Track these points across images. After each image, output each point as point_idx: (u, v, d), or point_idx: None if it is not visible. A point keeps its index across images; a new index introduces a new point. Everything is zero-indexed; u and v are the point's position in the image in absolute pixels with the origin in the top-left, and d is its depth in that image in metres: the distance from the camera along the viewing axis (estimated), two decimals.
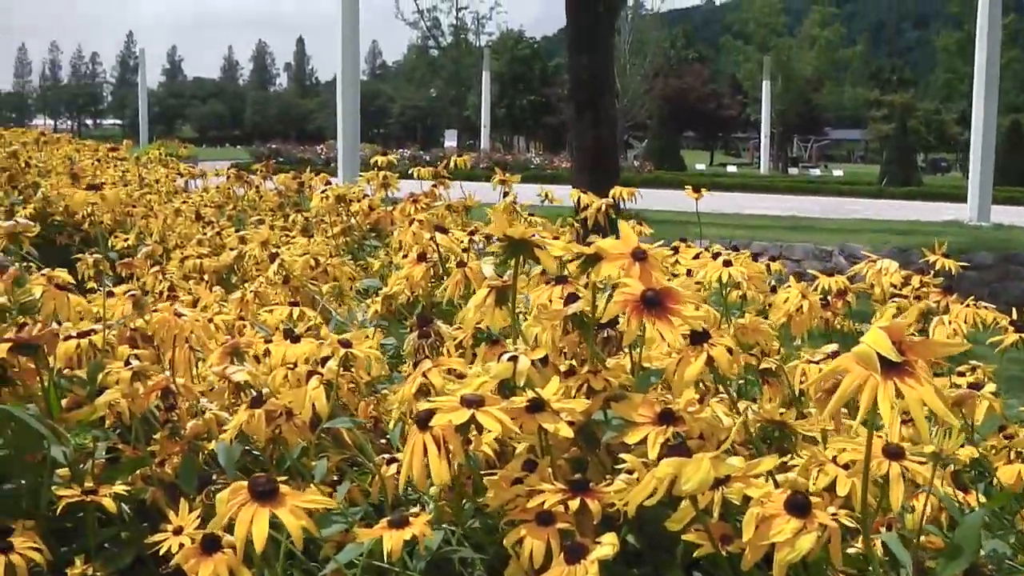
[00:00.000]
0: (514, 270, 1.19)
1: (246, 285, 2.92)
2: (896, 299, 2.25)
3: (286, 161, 29.49)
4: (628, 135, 46.42)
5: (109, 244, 3.75)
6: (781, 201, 23.91)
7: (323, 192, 3.09)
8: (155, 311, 1.51)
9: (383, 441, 1.63)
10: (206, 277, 3.21)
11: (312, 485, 1.43)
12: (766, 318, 2.03)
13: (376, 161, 3.69)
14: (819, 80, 55.75)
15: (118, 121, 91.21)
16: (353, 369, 1.49)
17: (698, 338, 1.16)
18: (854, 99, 66.75)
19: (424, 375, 1.27)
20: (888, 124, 49.71)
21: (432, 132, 65.92)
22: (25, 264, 2.87)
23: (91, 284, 3.19)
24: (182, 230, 3.94)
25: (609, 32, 10.67)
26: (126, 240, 3.40)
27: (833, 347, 1.80)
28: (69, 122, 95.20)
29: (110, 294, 2.61)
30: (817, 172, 43.46)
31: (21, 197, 4.26)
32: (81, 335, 1.52)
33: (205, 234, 3.74)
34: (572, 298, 1.27)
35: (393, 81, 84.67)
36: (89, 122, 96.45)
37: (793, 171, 46.29)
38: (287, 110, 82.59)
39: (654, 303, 1.11)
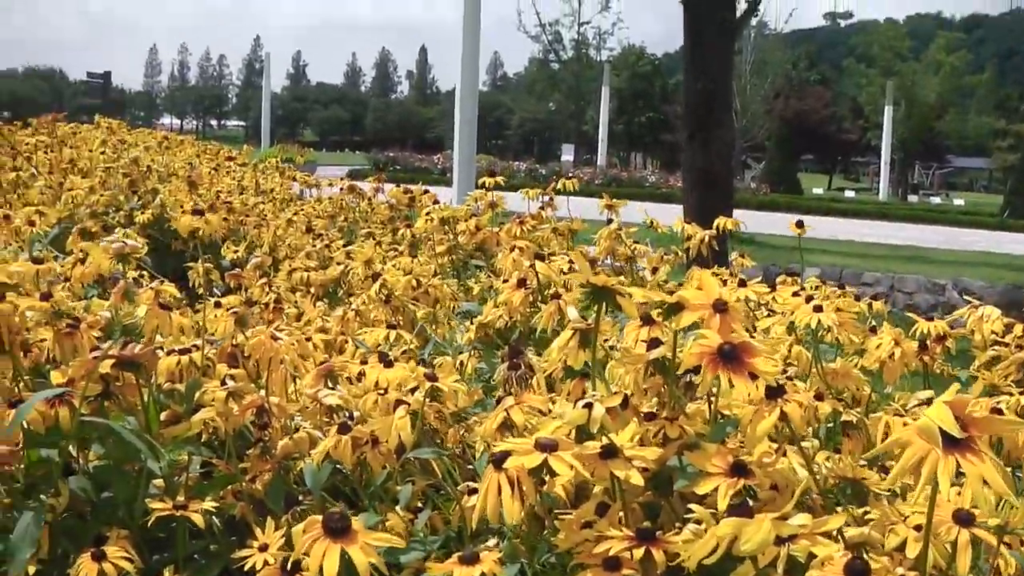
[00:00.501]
0: (596, 315, 1.22)
1: (350, 300, 2.99)
2: (997, 347, 2.22)
3: (403, 169, 29.85)
4: (746, 156, 46.03)
5: (221, 253, 3.85)
6: (898, 229, 23.49)
7: (428, 214, 3.13)
8: (254, 332, 1.56)
9: (471, 467, 1.66)
10: (312, 290, 3.28)
11: (395, 510, 1.48)
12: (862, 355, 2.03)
13: (484, 181, 3.73)
14: (943, 106, 54.68)
15: (241, 123, 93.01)
16: (440, 399, 1.53)
17: (773, 393, 1.17)
18: (979, 127, 65.30)
19: (506, 411, 1.30)
20: (1013, 154, 48.53)
21: (549, 145, 66.04)
22: (138, 271, 2.98)
23: (201, 290, 3.29)
24: (293, 241, 4.03)
25: (727, 55, 10.59)
26: (236, 252, 3.48)
27: (928, 394, 1.79)
28: (195, 122, 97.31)
29: (217, 304, 2.71)
30: (937, 200, 42.63)
31: (140, 203, 4.38)
32: (182, 352, 1.58)
33: (314, 246, 3.83)
34: (655, 343, 1.29)
35: (513, 93, 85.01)
36: (214, 123, 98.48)
37: (913, 198, 45.48)
38: (407, 118, 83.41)
39: (730, 356, 1.13)
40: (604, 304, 1.21)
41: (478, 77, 17.11)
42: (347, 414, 1.64)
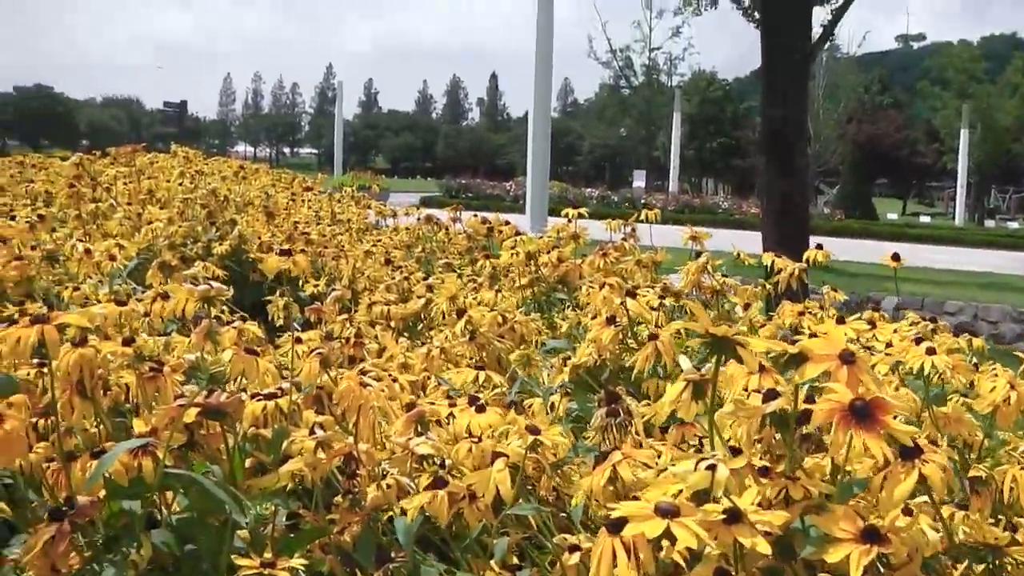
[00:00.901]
0: (714, 367, 1.14)
1: (431, 334, 2.92)
2: None
3: (475, 196, 29.89)
4: (819, 181, 45.59)
5: (300, 285, 3.81)
6: (973, 255, 23.04)
7: (513, 247, 3.07)
8: (342, 378, 1.49)
9: (564, 514, 1.59)
10: (392, 324, 3.23)
11: (491, 565, 1.40)
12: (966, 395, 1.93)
13: (568, 213, 3.66)
14: (1020, 129, 53.75)
15: (314, 150, 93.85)
16: (540, 451, 1.45)
17: (910, 453, 1.08)
18: None
19: (614, 466, 1.22)
20: None
21: (620, 171, 65.90)
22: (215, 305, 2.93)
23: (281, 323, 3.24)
24: (371, 273, 3.98)
25: (804, 80, 10.45)
26: (316, 286, 3.44)
27: None
28: (268, 150, 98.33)
29: (298, 340, 2.66)
30: (1015, 225, 41.86)
31: (218, 234, 4.36)
32: (268, 397, 1.52)
33: (393, 278, 3.77)
34: (772, 395, 1.21)
35: (583, 119, 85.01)
36: (287, 150, 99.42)
37: (989, 223, 44.72)
38: (478, 144, 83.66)
39: (863, 414, 1.04)
40: (722, 356, 1.12)
41: (550, 104, 17.08)
42: (439, 461, 1.57)
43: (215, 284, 1.43)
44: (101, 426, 1.46)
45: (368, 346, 3.01)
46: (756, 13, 10.85)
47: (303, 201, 5.85)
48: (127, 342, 1.41)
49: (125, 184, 4.90)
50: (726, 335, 1.09)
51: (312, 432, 1.41)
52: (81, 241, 2.96)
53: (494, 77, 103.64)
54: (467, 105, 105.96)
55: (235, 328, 1.92)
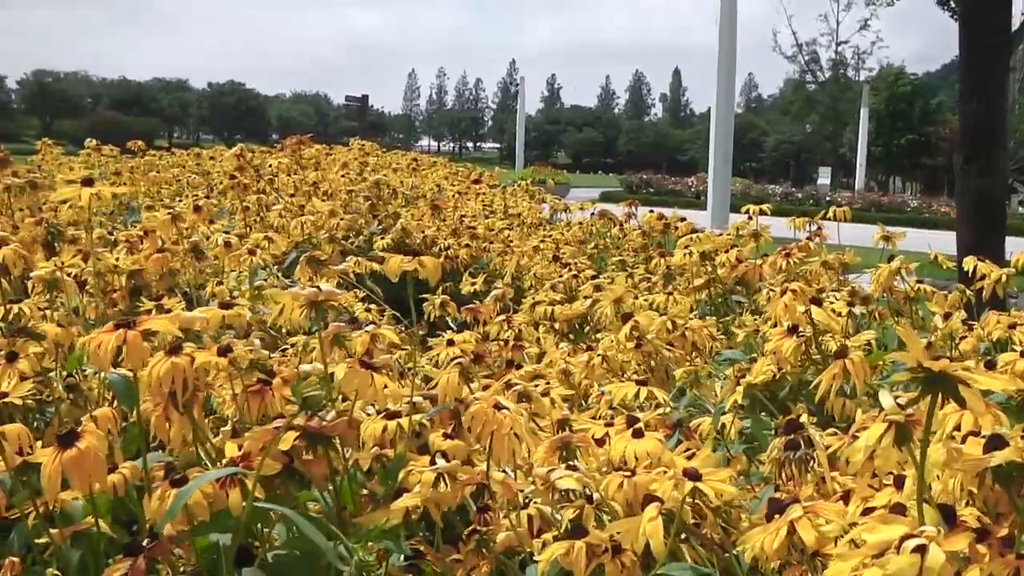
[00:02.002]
0: (928, 409, 0.88)
1: (598, 337, 2.70)
2: None
3: (655, 192, 29.50)
4: (1013, 179, 43.65)
5: (460, 285, 3.64)
6: None
7: (686, 248, 2.82)
8: (476, 399, 1.28)
9: (726, 555, 1.35)
10: (556, 326, 3.02)
11: None
12: None
13: (748, 209, 3.41)
14: None
15: (497, 145, 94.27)
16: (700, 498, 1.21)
17: None
18: None
19: (791, 523, 0.98)
20: None
21: (805, 168, 64.34)
22: (366, 302, 2.77)
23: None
24: (539, 270, 3.77)
25: (1005, 74, 9.86)
26: (473, 284, 3.25)
27: None
28: (451, 144, 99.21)
29: (450, 343, 2.46)
30: None
31: (381, 227, 4.22)
32: (390, 416, 1.32)
33: (561, 276, 3.56)
34: (997, 442, 0.95)
35: (767, 114, 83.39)
36: (470, 145, 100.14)
37: None
38: (660, 140, 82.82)
39: None
40: (940, 394, 0.87)
41: (734, 99, 16.69)
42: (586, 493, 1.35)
43: (326, 288, 1.23)
44: (200, 450, 1.28)
45: (528, 349, 2.81)
46: (954, 2, 10.30)
47: (476, 194, 5.69)
48: (223, 351, 1.23)
49: (289, 176, 4.81)
50: (945, 370, 0.84)
51: (433, 461, 1.20)
52: (226, 233, 2.83)
53: (677, 72, 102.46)
54: (650, 100, 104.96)
55: (368, 332, 1.73)
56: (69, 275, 2.37)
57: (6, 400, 1.55)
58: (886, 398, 0.93)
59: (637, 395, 1.80)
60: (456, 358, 1.60)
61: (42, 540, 1.34)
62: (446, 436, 1.34)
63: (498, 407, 1.23)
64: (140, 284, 2.52)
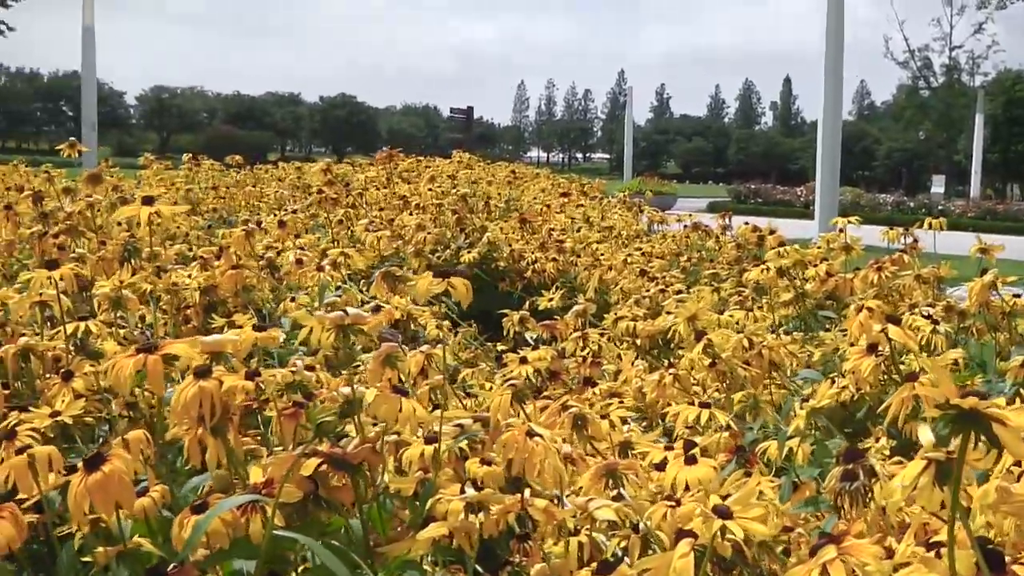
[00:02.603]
0: (961, 446, 0.81)
1: (680, 354, 2.63)
2: None
3: (764, 202, 29.15)
4: None
5: (534, 301, 3.59)
6: None
7: (763, 263, 2.74)
8: (510, 426, 1.23)
9: None
10: (638, 342, 2.95)
11: None
12: None
13: (837, 223, 3.31)
14: None
15: (606, 156, 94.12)
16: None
17: None
18: None
19: (825, 566, 0.92)
20: None
21: (918, 176, 63.09)
22: (440, 319, 2.73)
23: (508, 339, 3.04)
24: (625, 284, 3.71)
25: None
26: (551, 300, 3.20)
27: None
28: (560, 155, 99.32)
29: (523, 360, 2.42)
30: None
31: (468, 240, 4.20)
32: (428, 441, 1.29)
33: (647, 291, 3.50)
34: None
35: (880, 122, 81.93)
36: (579, 156, 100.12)
37: None
38: (770, 149, 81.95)
39: None
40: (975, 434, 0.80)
41: (842, 107, 16.42)
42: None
43: (352, 311, 1.19)
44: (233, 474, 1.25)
45: (607, 367, 2.76)
46: None
47: (565, 207, 5.63)
48: (251, 376, 1.20)
49: (378, 190, 4.81)
50: (975, 408, 0.77)
51: (463, 490, 1.16)
52: (301, 249, 2.82)
53: (787, 81, 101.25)
54: (759, 109, 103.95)
55: (423, 353, 1.70)
56: (144, 292, 2.39)
57: (58, 419, 1.55)
58: (925, 433, 0.86)
59: (699, 418, 1.74)
60: (510, 379, 1.56)
61: (89, 559, 1.33)
62: (483, 462, 1.29)
63: (531, 434, 1.18)
64: (214, 301, 2.52)
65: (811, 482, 1.70)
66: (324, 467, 1.11)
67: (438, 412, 1.28)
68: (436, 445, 1.27)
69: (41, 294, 1.84)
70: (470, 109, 32.53)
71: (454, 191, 4.56)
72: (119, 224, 2.98)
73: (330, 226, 4.21)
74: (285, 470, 1.08)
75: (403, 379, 1.73)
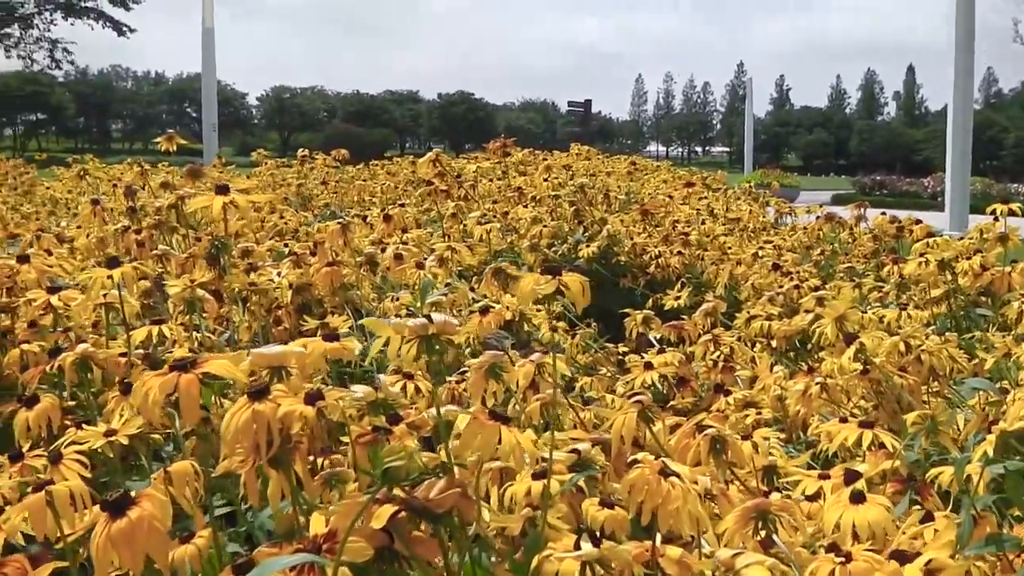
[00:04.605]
0: None
1: (821, 356, 2.36)
2: None
3: (889, 194, 28.36)
4: None
5: (658, 298, 3.33)
6: None
7: (921, 256, 2.45)
8: (637, 466, 0.98)
9: None
10: (774, 344, 2.68)
11: None
12: None
13: (995, 209, 3.00)
14: None
15: (726, 149, 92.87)
16: None
17: None
18: None
19: None
20: None
21: None
22: (555, 320, 2.49)
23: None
24: (757, 280, 3.42)
25: None
26: (678, 299, 2.94)
27: None
28: (679, 149, 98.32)
29: (648, 366, 2.17)
30: None
31: (587, 234, 3.95)
32: (537, 477, 1.05)
33: (781, 287, 3.21)
34: None
35: (1008, 110, 79.46)
36: (698, 149, 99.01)
37: None
38: (894, 140, 79.94)
39: None
40: None
41: (972, 94, 15.84)
42: None
43: (440, 318, 0.96)
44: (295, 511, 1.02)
45: (739, 372, 2.50)
46: None
47: (686, 199, 5.35)
48: (311, 399, 0.97)
49: (491, 182, 4.58)
50: None
51: (578, 546, 0.91)
52: (403, 245, 2.60)
53: (911, 70, 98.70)
54: (882, 100, 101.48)
55: (532, 362, 1.45)
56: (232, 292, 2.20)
57: (112, 439, 1.35)
58: None
59: (859, 441, 1.46)
60: (635, 394, 1.31)
61: None
62: (603, 504, 1.05)
63: (665, 473, 0.94)
64: (309, 301, 2.32)
65: (990, 515, 1.42)
66: (402, 515, 0.88)
67: (531, 446, 1.04)
68: (545, 481, 1.03)
69: (105, 295, 1.64)
70: (588, 102, 32.28)
71: (571, 182, 4.31)
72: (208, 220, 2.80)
73: (440, 220, 4.01)
74: (352, 519, 0.85)
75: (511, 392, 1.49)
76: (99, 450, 1.37)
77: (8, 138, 71.02)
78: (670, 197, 4.65)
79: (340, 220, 2.46)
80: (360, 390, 1.15)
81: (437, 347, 0.96)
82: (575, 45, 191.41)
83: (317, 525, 0.92)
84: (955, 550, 1.13)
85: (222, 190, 1.64)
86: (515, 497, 1.05)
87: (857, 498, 1.14)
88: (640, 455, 1.03)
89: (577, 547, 0.91)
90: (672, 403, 2.23)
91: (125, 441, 1.34)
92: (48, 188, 6.67)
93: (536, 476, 1.05)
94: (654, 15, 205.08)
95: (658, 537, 0.99)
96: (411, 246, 2.59)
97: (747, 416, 1.99)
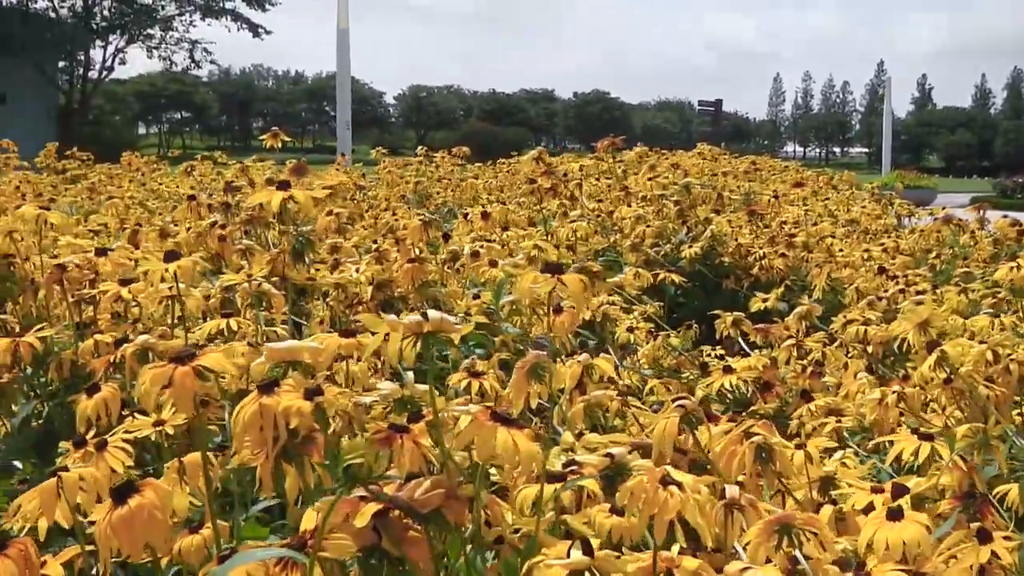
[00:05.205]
0: None
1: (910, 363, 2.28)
2: None
3: None
4: None
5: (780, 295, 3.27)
6: None
7: (1014, 264, 2.37)
8: (637, 468, 0.96)
9: None
10: (870, 349, 2.60)
11: None
12: None
13: None
14: None
15: (864, 149, 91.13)
16: None
17: None
18: None
19: None
20: None
21: None
22: (641, 321, 2.46)
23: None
24: (862, 283, 3.34)
25: None
26: (765, 301, 2.88)
27: None
28: (817, 150, 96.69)
29: (727, 370, 2.13)
30: None
31: (691, 235, 3.90)
32: (553, 478, 1.02)
33: (886, 291, 3.12)
34: None
35: None
36: (837, 150, 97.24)
37: None
38: None
39: None
40: None
41: None
42: None
43: (436, 315, 0.95)
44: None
45: (827, 379, 2.44)
46: None
47: (823, 198, 5.25)
48: (310, 395, 0.96)
49: (597, 181, 4.55)
50: None
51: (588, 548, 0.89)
52: (488, 242, 2.59)
53: None
54: None
55: (580, 363, 1.43)
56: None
57: (160, 428, 1.37)
58: None
59: (916, 452, 1.41)
60: (680, 398, 1.28)
61: None
62: (613, 511, 1.02)
63: (665, 482, 0.91)
64: (391, 297, 2.33)
65: None
66: (394, 515, 0.87)
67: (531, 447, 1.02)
68: (556, 486, 1.00)
69: (171, 288, 1.66)
70: (719, 102, 31.99)
71: (677, 183, 4.26)
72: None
73: (544, 221, 4.00)
74: (340, 517, 0.84)
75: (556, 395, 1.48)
76: (152, 439, 1.39)
77: (154, 136, 73.09)
78: (776, 197, 4.56)
79: (422, 217, 2.46)
80: (386, 387, 1.14)
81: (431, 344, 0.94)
82: (713, 44, 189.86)
83: (308, 521, 0.91)
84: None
85: (282, 186, 1.65)
86: (524, 503, 1.03)
87: (894, 515, 1.09)
88: (640, 462, 1.00)
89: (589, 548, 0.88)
90: (753, 408, 2.18)
91: (171, 431, 1.35)
92: (173, 185, 6.84)
93: (552, 479, 1.03)
94: (794, 13, 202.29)
95: (675, 548, 0.97)
96: (496, 244, 2.58)
97: (826, 424, 1.93)
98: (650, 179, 4.43)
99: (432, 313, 0.95)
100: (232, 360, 0.95)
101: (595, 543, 0.90)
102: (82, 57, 39.52)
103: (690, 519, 0.90)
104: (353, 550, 0.85)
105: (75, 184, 6.70)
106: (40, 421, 1.94)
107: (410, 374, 1.20)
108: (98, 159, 8.35)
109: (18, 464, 1.86)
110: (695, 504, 0.90)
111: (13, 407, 1.92)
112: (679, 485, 0.91)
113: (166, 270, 1.55)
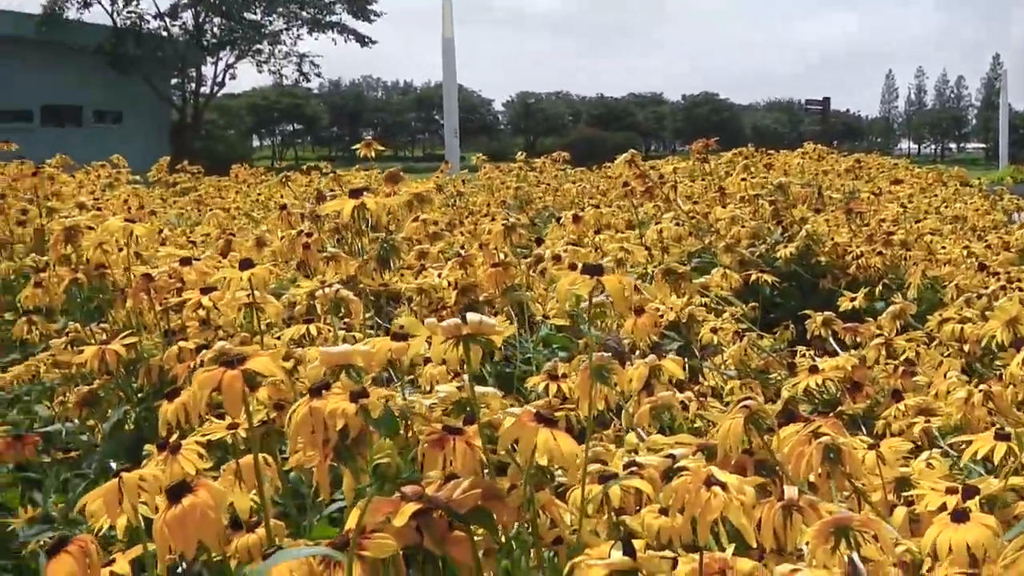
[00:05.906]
0: None
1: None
2: None
3: None
4: None
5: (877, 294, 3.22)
6: None
7: None
8: (682, 470, 0.95)
9: None
10: (967, 348, 2.55)
11: None
12: None
13: None
14: None
15: (981, 145, 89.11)
16: None
17: None
18: None
19: None
20: None
21: None
22: (718, 318, 2.44)
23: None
24: (962, 280, 3.27)
25: None
26: (853, 300, 2.83)
27: None
28: (932, 146, 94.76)
29: (813, 369, 2.10)
30: None
31: (786, 235, 3.85)
32: (604, 478, 1.02)
33: (986, 288, 3.05)
34: None
35: None
36: (952, 146, 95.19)
37: None
38: None
39: None
40: None
41: None
42: None
43: (474, 317, 0.95)
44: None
45: (919, 378, 2.39)
46: None
47: (931, 195, 5.14)
48: (355, 396, 0.97)
49: (692, 182, 4.52)
50: None
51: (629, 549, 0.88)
52: (578, 245, 2.59)
53: None
54: None
55: (647, 364, 1.42)
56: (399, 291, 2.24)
57: (234, 431, 1.39)
58: None
59: (994, 452, 1.38)
60: (746, 399, 1.26)
61: None
62: (663, 511, 1.02)
63: (709, 483, 0.90)
64: (476, 302, 2.34)
65: None
66: (436, 515, 0.87)
67: (658, 439, 1.02)
68: (606, 486, 1.00)
69: (250, 295, 1.69)
70: (826, 100, 31.55)
71: (773, 182, 4.20)
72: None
73: (637, 221, 4.00)
74: (379, 516, 0.85)
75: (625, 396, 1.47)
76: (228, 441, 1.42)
77: (268, 148, 74.32)
78: (875, 195, 4.48)
79: (505, 221, 2.47)
80: (444, 389, 1.15)
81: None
82: (823, 42, 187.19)
83: (353, 520, 0.92)
84: None
85: (355, 194, 1.68)
86: (574, 503, 1.03)
87: (960, 517, 1.07)
88: (686, 462, 1.00)
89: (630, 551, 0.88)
90: (840, 408, 2.15)
91: (242, 434, 1.38)
92: (278, 195, 6.94)
93: (603, 479, 1.03)
94: (906, 8, 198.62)
95: (729, 549, 0.96)
96: (586, 248, 2.58)
97: (912, 426, 1.90)
98: (743, 180, 4.38)
99: (471, 316, 0.96)
100: (279, 364, 0.97)
101: (640, 544, 0.90)
102: (194, 74, 40.43)
103: (734, 520, 0.89)
104: (394, 549, 0.86)
105: (184, 196, 6.86)
106: (132, 425, 1.99)
107: (465, 376, 1.21)
108: (211, 172, 8.54)
109: (114, 465, 1.91)
110: (739, 505, 0.89)
111: (108, 412, 1.98)
112: (723, 485, 0.90)
113: (241, 278, 1.58)
